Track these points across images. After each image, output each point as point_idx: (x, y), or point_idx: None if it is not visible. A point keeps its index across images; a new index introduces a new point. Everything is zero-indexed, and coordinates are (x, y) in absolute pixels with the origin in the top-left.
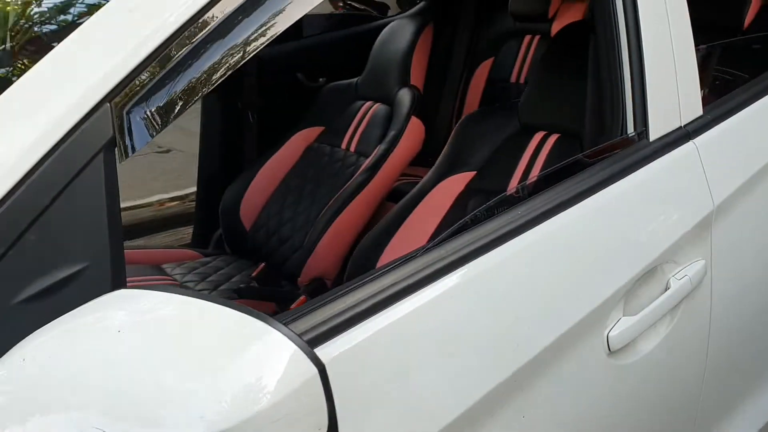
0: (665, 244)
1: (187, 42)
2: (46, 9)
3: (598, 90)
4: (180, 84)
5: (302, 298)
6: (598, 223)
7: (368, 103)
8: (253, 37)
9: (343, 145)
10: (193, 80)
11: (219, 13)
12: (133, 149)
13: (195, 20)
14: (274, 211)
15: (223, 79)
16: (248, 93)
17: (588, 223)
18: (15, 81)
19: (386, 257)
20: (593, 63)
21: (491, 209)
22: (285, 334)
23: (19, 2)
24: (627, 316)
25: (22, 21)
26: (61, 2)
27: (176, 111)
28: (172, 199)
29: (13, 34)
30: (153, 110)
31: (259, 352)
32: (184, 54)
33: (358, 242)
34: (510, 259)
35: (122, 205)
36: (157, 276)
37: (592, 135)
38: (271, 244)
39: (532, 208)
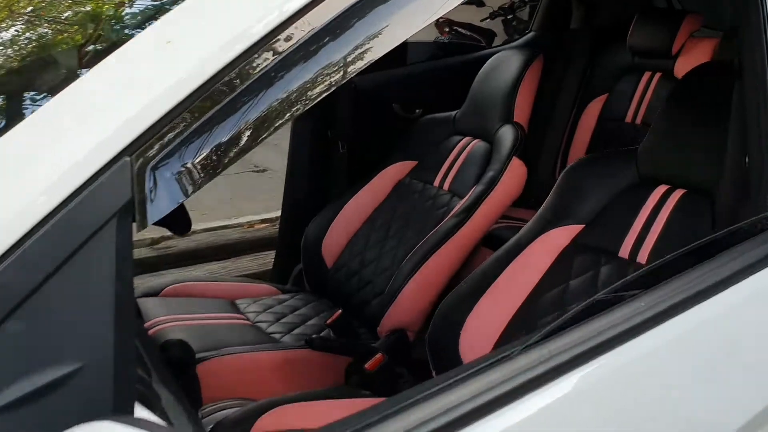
0: None
1: (235, 83)
2: (137, 10)
3: (741, 146)
4: (222, 136)
5: (379, 356)
6: (737, 324)
7: (466, 139)
8: (296, 94)
9: (436, 183)
10: (237, 132)
11: (284, 43)
12: (159, 213)
13: (248, 55)
14: (357, 249)
15: (275, 130)
16: (340, 122)
17: (725, 324)
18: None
19: (474, 318)
20: (737, 112)
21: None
22: None
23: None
24: None
25: (113, 21)
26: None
27: (216, 169)
28: (263, 221)
29: (100, 33)
30: (187, 165)
31: None
32: (227, 101)
33: (446, 292)
34: (628, 366)
35: (212, 224)
36: (230, 314)
37: (729, 199)
38: (351, 285)
39: (658, 298)
